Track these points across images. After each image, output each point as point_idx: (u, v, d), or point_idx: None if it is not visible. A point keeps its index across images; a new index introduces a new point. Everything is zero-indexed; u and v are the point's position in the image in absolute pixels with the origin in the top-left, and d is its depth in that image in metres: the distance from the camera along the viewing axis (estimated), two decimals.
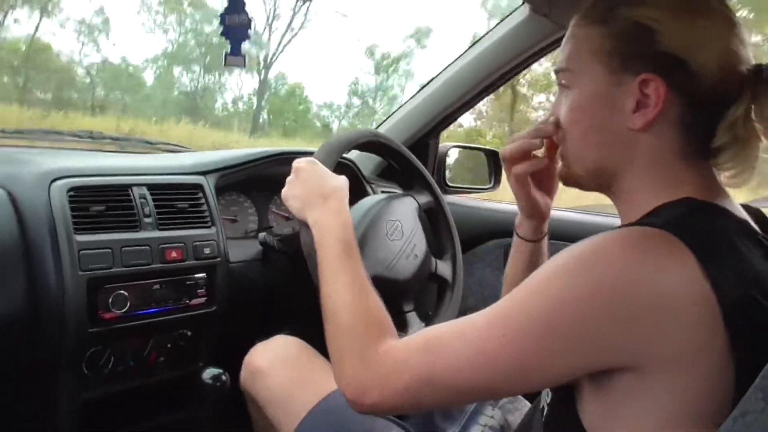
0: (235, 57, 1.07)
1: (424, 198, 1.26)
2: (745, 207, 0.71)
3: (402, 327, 1.15)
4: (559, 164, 0.78)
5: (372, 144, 1.19)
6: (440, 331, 0.66)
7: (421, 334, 0.68)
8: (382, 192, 1.26)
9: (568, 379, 0.61)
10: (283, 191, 0.95)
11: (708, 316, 0.55)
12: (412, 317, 1.16)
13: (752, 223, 0.67)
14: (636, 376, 0.57)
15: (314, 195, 0.90)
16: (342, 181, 0.94)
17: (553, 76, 0.77)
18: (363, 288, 0.78)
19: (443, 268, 1.25)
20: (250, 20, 1.05)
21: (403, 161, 1.26)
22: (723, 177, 0.68)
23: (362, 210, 1.12)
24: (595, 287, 0.57)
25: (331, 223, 0.86)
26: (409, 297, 1.16)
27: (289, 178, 0.95)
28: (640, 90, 0.65)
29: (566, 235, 1.47)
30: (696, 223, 0.61)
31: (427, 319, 1.19)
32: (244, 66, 1.07)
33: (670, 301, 0.55)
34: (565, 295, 0.58)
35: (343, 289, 0.77)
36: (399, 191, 1.29)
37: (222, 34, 1.05)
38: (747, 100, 0.64)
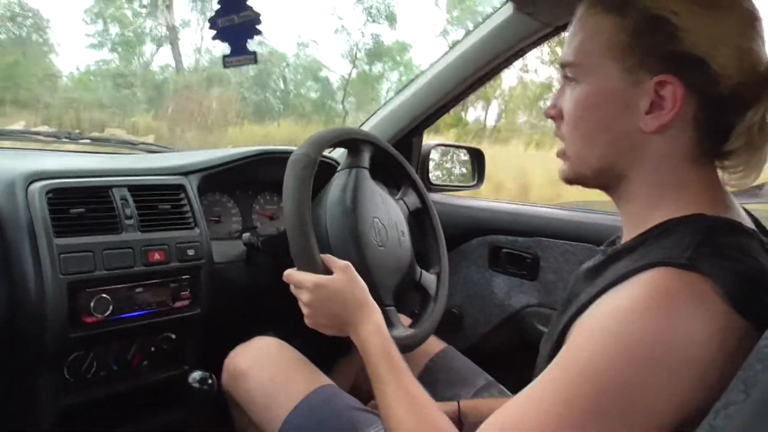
0: (240, 56, 1.03)
1: (411, 199, 1.25)
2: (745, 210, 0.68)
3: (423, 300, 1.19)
4: (561, 163, 0.73)
5: (344, 143, 1.15)
6: None
7: None
8: (335, 184, 1.13)
9: None
10: (308, 322, 0.94)
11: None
12: (426, 278, 1.20)
13: (758, 232, 0.64)
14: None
15: (342, 320, 0.91)
16: (358, 289, 0.92)
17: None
18: (414, 400, 0.78)
19: (427, 278, 1.22)
20: (257, 15, 1.00)
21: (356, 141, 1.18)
22: (727, 177, 0.66)
23: (349, 238, 1.05)
24: (634, 352, 0.54)
25: (371, 340, 0.87)
26: (415, 267, 1.18)
27: (304, 311, 0.94)
28: (655, 91, 0.62)
29: (567, 234, 1.48)
30: (716, 252, 0.57)
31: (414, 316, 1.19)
32: (256, 62, 1.03)
33: (705, 347, 0.53)
34: (605, 373, 0.55)
35: (396, 405, 0.78)
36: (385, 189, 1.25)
37: (215, 38, 1.01)
38: (766, 102, 0.61)
